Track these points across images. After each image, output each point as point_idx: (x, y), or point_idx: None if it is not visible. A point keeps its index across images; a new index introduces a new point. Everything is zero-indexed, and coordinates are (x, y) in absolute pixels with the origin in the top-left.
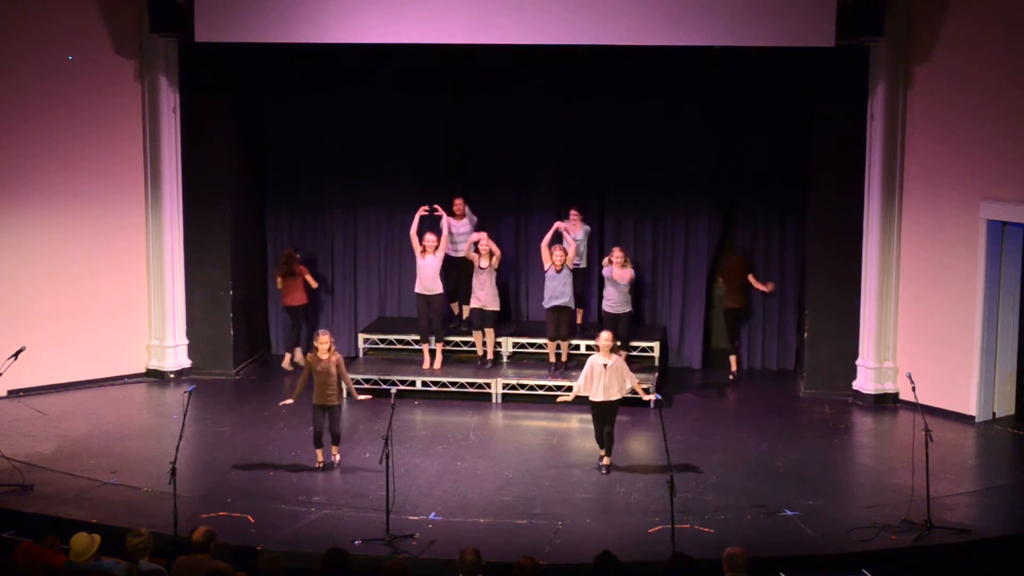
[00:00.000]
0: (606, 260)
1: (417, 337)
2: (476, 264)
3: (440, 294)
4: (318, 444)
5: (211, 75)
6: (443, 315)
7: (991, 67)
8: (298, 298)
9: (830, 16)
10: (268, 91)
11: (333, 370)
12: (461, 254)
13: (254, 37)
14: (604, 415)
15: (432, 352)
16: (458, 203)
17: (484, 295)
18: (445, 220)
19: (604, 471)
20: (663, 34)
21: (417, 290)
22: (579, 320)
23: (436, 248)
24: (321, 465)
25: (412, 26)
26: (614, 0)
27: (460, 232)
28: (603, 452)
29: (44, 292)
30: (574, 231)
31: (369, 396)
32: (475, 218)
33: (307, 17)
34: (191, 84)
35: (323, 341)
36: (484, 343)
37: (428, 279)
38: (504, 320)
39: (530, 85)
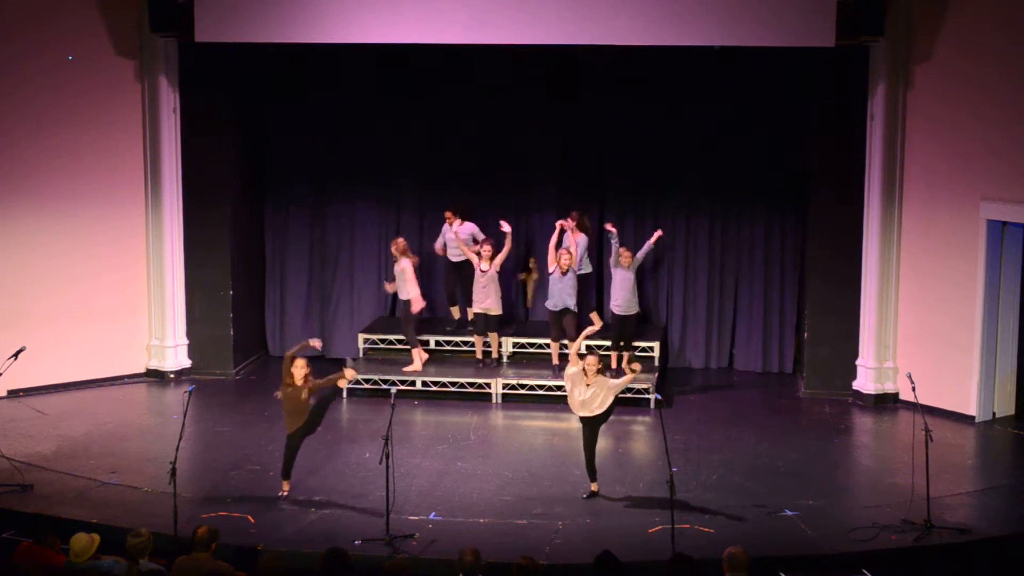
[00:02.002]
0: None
1: (418, 337)
2: (477, 268)
3: (406, 300)
4: (286, 475)
5: (211, 75)
6: (410, 319)
7: (991, 67)
8: None
9: (830, 16)
10: (268, 91)
11: (304, 396)
12: (459, 259)
13: (254, 37)
14: (589, 431)
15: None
16: (447, 215)
17: (488, 299)
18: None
19: (584, 496)
20: (663, 34)
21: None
22: (598, 324)
23: (403, 252)
24: (286, 495)
25: (412, 26)
26: (614, 1)
27: (453, 239)
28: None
29: (44, 292)
30: (575, 236)
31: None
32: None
33: (307, 17)
34: (191, 84)
35: (299, 366)
36: (487, 345)
37: (398, 284)
38: (505, 321)
39: (530, 85)
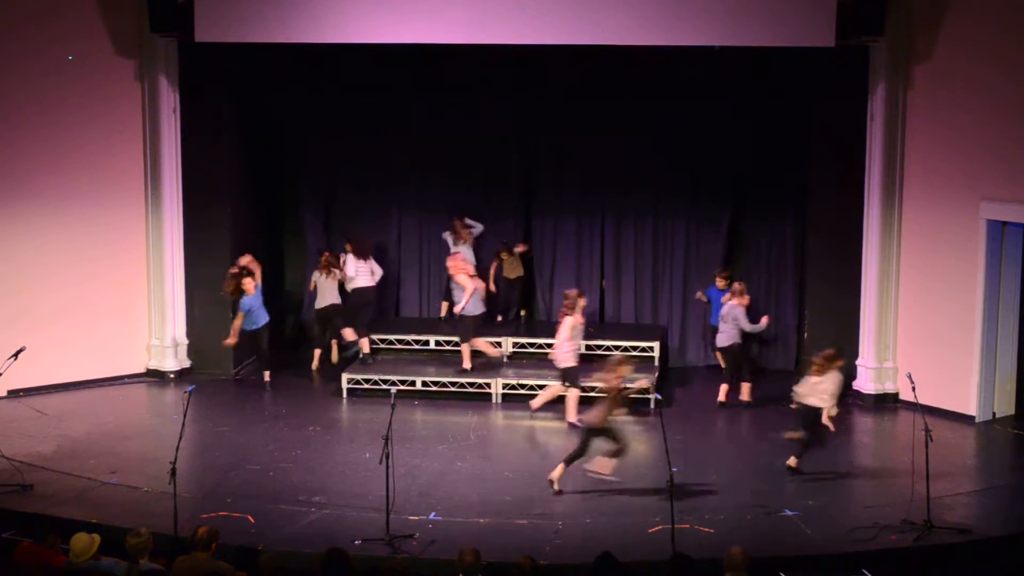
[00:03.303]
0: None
1: (418, 337)
2: (577, 323)
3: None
4: (570, 463)
5: (211, 75)
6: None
7: (991, 67)
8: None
9: (830, 16)
10: (268, 91)
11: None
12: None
13: (254, 37)
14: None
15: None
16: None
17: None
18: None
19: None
20: (663, 34)
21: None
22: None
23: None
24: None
25: (412, 26)
26: (614, 0)
27: (362, 269)
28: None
29: (44, 292)
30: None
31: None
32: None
33: (307, 17)
34: (191, 84)
35: (627, 363)
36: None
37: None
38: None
39: (530, 86)
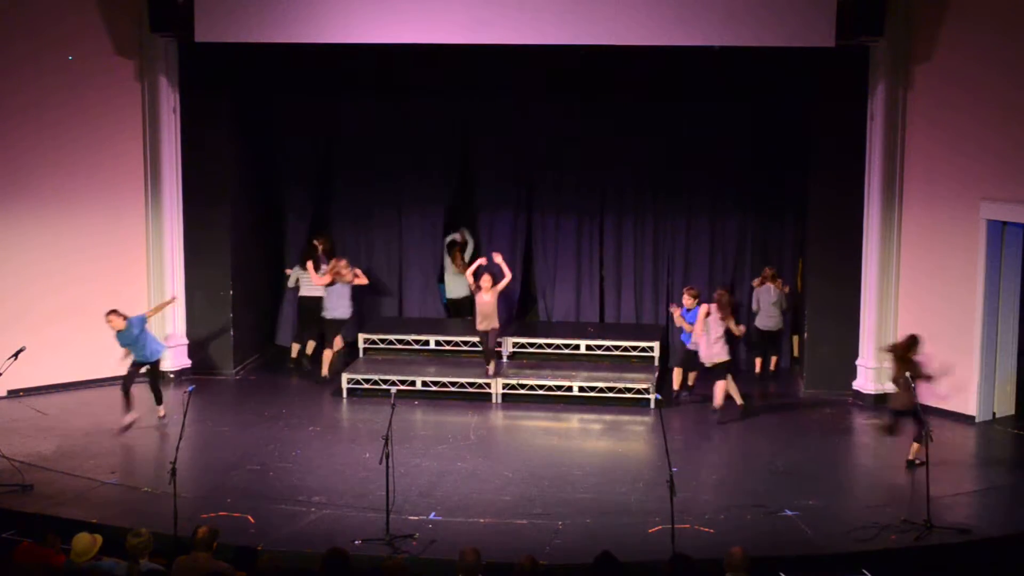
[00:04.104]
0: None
1: (418, 337)
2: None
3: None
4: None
5: (211, 75)
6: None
7: (991, 67)
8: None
9: (830, 16)
10: (268, 90)
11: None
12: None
13: (254, 37)
14: None
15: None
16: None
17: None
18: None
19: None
20: (663, 34)
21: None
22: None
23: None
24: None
25: (412, 26)
26: (614, 0)
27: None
28: None
29: (44, 292)
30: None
31: None
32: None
33: (307, 17)
34: (191, 84)
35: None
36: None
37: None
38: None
39: (530, 86)
